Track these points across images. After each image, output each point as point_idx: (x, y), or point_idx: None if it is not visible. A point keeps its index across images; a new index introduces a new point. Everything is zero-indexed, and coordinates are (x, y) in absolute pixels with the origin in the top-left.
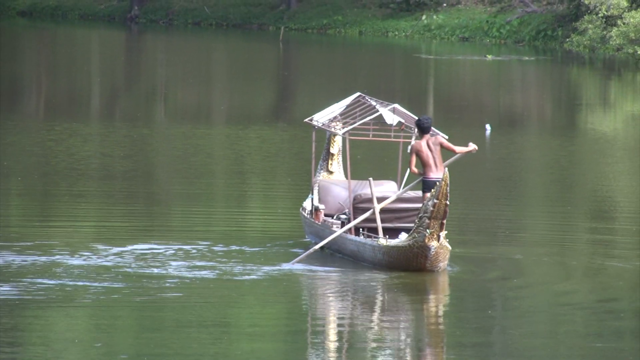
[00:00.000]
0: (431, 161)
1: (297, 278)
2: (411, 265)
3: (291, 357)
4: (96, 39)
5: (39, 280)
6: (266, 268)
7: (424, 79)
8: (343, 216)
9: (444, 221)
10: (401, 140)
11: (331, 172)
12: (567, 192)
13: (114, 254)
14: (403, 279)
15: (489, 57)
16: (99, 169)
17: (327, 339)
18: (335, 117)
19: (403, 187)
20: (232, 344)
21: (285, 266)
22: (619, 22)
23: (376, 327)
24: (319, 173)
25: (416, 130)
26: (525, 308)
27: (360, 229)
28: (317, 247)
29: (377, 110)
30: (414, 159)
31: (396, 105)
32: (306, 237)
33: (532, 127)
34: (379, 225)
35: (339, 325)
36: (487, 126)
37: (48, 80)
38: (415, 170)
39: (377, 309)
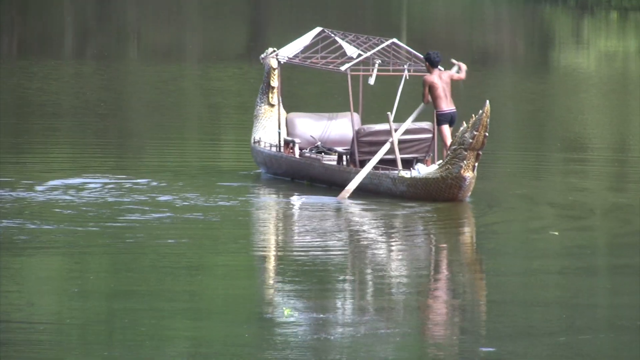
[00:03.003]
0: (442, 94)
1: (274, 210)
2: (442, 195)
3: (269, 296)
4: None
5: (8, 222)
6: (243, 201)
7: (396, 16)
8: (340, 149)
9: (480, 152)
10: (407, 73)
11: (272, 105)
12: (540, 128)
13: (87, 191)
14: (377, 208)
15: None
16: (73, 105)
17: (310, 273)
18: (301, 52)
19: (361, 119)
20: (207, 281)
21: (335, 200)
22: None
23: (347, 257)
24: (259, 106)
25: (426, 64)
26: (499, 242)
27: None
28: (359, 178)
29: (376, 45)
30: (427, 91)
31: (395, 40)
32: (260, 169)
33: (505, 64)
34: (398, 157)
35: (319, 258)
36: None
37: (21, 19)
38: (428, 100)
39: (351, 238)
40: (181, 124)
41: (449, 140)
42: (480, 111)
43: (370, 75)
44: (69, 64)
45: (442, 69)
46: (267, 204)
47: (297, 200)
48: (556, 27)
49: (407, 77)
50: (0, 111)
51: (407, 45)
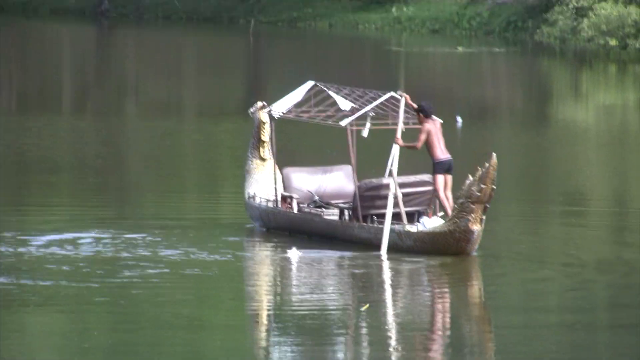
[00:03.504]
0: (437, 142)
1: (273, 265)
2: (450, 249)
3: (267, 353)
4: (67, 33)
5: (6, 279)
6: (241, 256)
7: (394, 72)
8: (342, 204)
9: (488, 205)
10: (403, 127)
11: (264, 160)
12: (538, 183)
13: (86, 246)
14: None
15: (460, 48)
16: (70, 160)
17: (310, 331)
18: (294, 106)
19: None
20: (207, 338)
21: (379, 255)
22: (590, 13)
23: (353, 314)
24: (251, 160)
25: (419, 115)
26: (501, 295)
27: (375, 217)
28: (385, 241)
29: (374, 99)
30: (423, 138)
31: (393, 93)
32: (254, 223)
33: (503, 118)
34: (403, 211)
35: (319, 315)
36: (458, 118)
37: (20, 74)
38: (419, 147)
39: (356, 293)
40: (178, 178)
41: (441, 192)
42: (487, 164)
43: (363, 128)
44: (67, 120)
45: (435, 119)
46: (266, 258)
47: (297, 254)
48: (554, 80)
49: (404, 130)
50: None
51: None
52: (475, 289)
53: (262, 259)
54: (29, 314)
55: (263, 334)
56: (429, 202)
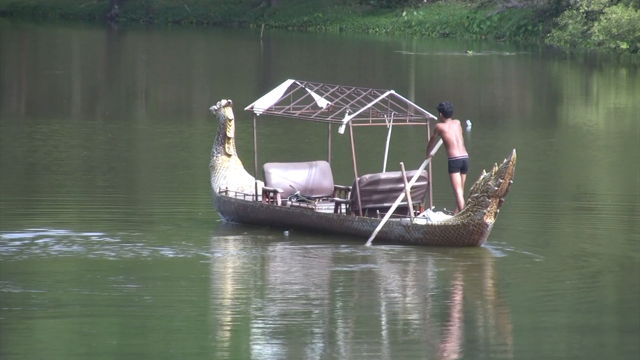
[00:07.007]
0: (455, 141)
1: (278, 261)
2: (461, 242)
3: (274, 355)
4: (77, 38)
5: (11, 282)
6: (251, 254)
7: (404, 75)
8: (336, 198)
9: (503, 199)
10: (408, 123)
11: (229, 155)
12: (549, 185)
13: (95, 248)
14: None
15: (470, 52)
16: (80, 164)
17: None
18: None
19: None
20: (217, 341)
21: (366, 245)
22: (600, 17)
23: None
24: (216, 156)
25: (440, 114)
26: (509, 294)
27: (378, 210)
28: (379, 227)
29: (372, 99)
30: (435, 135)
31: (392, 92)
32: (223, 218)
33: (513, 122)
34: (410, 204)
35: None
36: (468, 122)
37: (29, 79)
38: (431, 154)
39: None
40: (186, 179)
41: (459, 189)
42: (506, 160)
43: (341, 124)
44: (76, 123)
45: (457, 121)
46: (272, 255)
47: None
48: (565, 83)
49: (389, 127)
50: (8, 168)
51: (414, 103)
52: (483, 285)
53: (270, 256)
54: (35, 319)
55: (272, 336)
56: (423, 196)
